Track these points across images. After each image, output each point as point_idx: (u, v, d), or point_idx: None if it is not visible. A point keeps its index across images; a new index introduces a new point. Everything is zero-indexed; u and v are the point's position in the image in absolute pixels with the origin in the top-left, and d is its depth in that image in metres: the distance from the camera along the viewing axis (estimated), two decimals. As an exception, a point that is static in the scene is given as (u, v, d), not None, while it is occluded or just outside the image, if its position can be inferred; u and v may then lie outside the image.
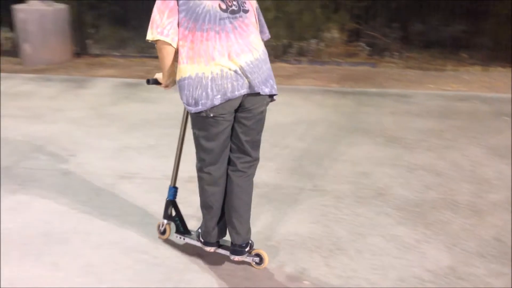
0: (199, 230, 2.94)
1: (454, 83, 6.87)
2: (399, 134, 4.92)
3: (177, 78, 2.61)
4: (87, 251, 2.98)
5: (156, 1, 2.55)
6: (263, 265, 2.85)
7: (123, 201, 3.58)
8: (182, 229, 3.04)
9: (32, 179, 3.87)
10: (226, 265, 2.87)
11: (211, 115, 2.56)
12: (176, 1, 2.51)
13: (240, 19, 2.57)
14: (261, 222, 3.31)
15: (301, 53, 8.33)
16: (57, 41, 7.85)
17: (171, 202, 3.06)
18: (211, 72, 2.50)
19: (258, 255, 2.85)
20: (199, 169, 2.79)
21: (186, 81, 2.55)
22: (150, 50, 8.50)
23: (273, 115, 5.42)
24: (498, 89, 6.54)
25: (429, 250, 3.04)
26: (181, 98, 2.61)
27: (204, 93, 2.51)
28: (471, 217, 3.41)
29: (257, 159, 2.82)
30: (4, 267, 2.83)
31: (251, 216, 2.84)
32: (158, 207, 3.44)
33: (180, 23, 2.52)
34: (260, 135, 2.80)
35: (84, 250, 2.99)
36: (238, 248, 2.81)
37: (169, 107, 5.61)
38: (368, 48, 8.29)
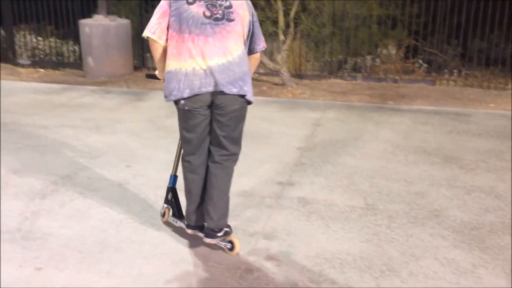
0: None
1: (517, 103, 6.64)
2: (456, 154, 4.79)
3: (165, 71, 3.01)
4: (141, 261, 3.05)
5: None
6: (234, 252, 3.09)
7: (176, 212, 3.64)
8: (177, 214, 3.38)
9: (91, 188, 4.01)
10: (276, 282, 2.86)
11: (186, 108, 2.96)
12: (168, 7, 2.92)
13: (222, 26, 2.91)
14: (312, 239, 3.30)
15: (356, 69, 8.27)
16: (119, 54, 8.14)
17: (171, 189, 3.39)
18: (186, 69, 2.89)
19: (230, 241, 3.11)
20: (182, 158, 3.17)
21: (168, 75, 2.96)
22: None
23: (326, 131, 5.42)
24: None
25: (486, 275, 2.93)
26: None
27: (177, 86, 2.92)
28: (532, 243, 3.27)
29: (234, 154, 3.11)
30: (61, 273, 2.93)
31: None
32: (210, 220, 3.49)
33: (170, 25, 2.92)
34: (237, 132, 3.07)
35: (138, 260, 3.06)
36: (210, 232, 3.08)
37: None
38: (425, 65, 8.14)
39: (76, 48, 8.97)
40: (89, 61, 8.02)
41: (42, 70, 8.70)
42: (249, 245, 3.21)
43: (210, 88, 2.89)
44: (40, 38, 9.29)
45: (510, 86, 7.35)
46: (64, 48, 9.20)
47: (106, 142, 5.05)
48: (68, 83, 7.64)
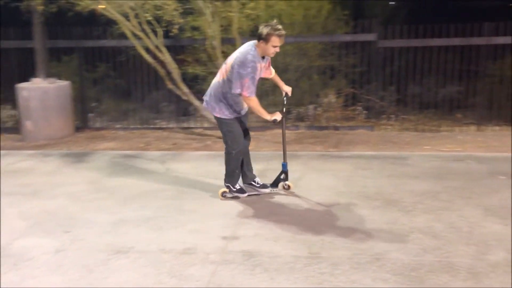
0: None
1: (449, 144, 6.91)
2: (396, 197, 4.91)
3: None
4: (77, 331, 2.92)
5: None
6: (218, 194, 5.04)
7: (117, 277, 3.52)
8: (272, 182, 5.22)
9: (25, 258, 3.84)
10: None
11: None
12: None
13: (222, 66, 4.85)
14: (255, 294, 3.26)
15: (300, 118, 8.43)
16: (59, 116, 8.00)
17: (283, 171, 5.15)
18: None
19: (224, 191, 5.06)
20: None
21: None
22: (151, 122, 8.66)
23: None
24: (493, 149, 6.58)
25: (427, 317, 2.96)
26: None
27: None
28: (469, 280, 3.34)
29: (225, 142, 4.90)
30: None
31: None
32: (152, 281, 3.40)
33: None
34: (221, 131, 4.91)
35: (74, 330, 2.93)
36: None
37: (167, 178, 5.65)
38: (365, 111, 8.40)
39: (15, 112, 8.77)
40: (28, 124, 7.85)
41: (-22, 137, 8.43)
42: (192, 305, 3.14)
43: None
44: (-24, 105, 9.05)
45: (443, 128, 7.67)
46: (2, 114, 8.97)
47: (43, 207, 4.89)
48: (4, 149, 7.41)
